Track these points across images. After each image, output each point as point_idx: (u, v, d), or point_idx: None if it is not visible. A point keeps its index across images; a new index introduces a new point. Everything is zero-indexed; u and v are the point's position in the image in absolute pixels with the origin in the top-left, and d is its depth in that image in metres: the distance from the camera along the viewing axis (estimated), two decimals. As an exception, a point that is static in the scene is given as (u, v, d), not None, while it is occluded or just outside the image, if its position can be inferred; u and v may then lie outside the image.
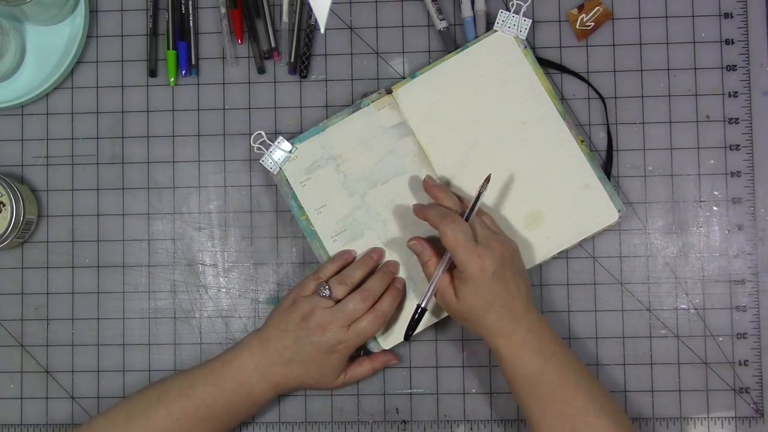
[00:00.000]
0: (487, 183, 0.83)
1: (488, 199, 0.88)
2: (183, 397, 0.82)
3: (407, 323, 0.82)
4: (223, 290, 0.92)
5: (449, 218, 0.79)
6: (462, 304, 0.79)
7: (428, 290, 0.81)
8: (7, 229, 0.88)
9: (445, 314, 0.87)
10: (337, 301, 0.84)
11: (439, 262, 0.81)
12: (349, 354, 0.85)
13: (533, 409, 0.78)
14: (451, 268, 0.81)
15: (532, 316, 0.79)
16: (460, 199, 0.86)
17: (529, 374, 0.78)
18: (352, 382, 0.88)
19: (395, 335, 0.88)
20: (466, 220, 0.81)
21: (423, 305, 0.81)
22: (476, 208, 0.82)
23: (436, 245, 0.82)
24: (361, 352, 0.89)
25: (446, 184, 0.88)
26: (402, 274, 0.88)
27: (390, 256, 0.88)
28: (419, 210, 0.84)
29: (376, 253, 0.88)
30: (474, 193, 0.83)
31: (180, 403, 0.81)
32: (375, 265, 0.87)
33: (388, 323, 0.87)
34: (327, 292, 0.84)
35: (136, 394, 0.84)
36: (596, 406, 0.77)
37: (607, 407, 0.78)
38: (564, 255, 0.90)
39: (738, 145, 0.90)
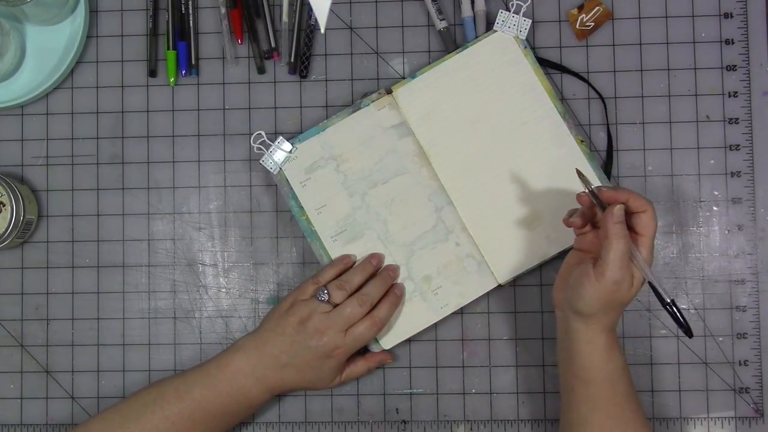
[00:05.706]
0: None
1: (489, 199, 0.88)
2: (179, 400, 0.82)
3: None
4: (223, 290, 0.92)
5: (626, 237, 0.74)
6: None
7: (654, 283, 0.76)
8: (7, 229, 0.88)
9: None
10: (335, 306, 0.84)
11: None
12: (345, 359, 0.85)
13: (602, 405, 0.78)
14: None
15: None
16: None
17: (618, 368, 0.78)
18: (348, 382, 0.88)
19: (395, 335, 0.88)
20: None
21: (669, 301, 0.76)
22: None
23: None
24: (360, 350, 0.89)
25: (446, 184, 0.88)
26: (402, 273, 0.88)
27: (390, 255, 0.88)
28: (612, 193, 0.76)
29: (376, 258, 0.88)
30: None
31: (176, 406, 0.81)
32: (374, 270, 0.87)
33: (389, 323, 0.87)
34: (325, 296, 0.84)
35: (132, 396, 0.84)
36: (641, 412, 0.79)
37: (643, 416, 0.79)
38: (564, 255, 0.89)
39: (738, 145, 0.90)
